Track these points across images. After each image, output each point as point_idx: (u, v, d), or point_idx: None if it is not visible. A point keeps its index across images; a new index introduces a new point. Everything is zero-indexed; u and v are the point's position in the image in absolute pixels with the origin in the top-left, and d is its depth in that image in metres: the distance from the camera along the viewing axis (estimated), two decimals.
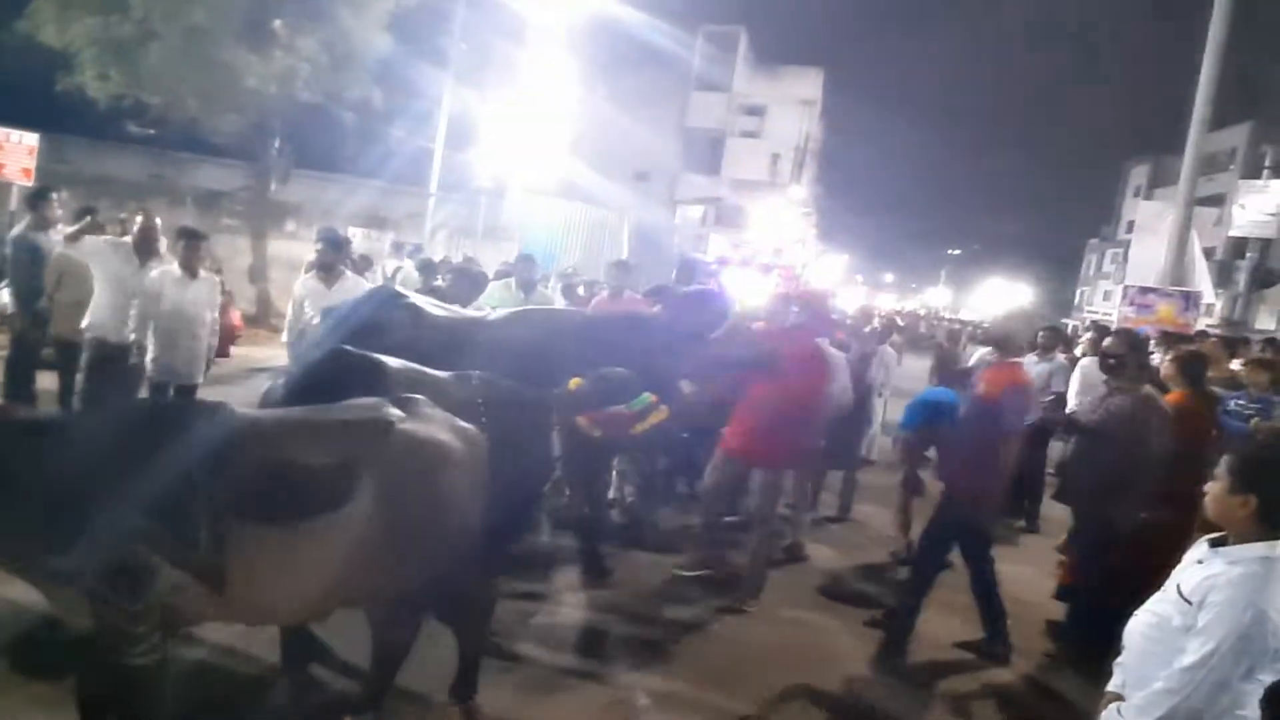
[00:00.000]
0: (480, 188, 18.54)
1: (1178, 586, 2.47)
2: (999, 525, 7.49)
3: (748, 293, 11.48)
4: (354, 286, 6.40)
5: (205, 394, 6.02)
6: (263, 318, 13.72)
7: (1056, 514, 7.98)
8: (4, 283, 8.29)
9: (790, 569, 6.03)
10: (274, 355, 10.10)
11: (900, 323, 12.09)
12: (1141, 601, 2.64)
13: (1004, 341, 4.94)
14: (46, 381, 6.78)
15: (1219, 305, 15.37)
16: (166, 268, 5.88)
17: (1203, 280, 13.80)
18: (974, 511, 4.74)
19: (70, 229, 6.37)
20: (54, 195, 7.30)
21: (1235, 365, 7.70)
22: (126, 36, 12.08)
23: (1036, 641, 5.28)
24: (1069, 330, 15.82)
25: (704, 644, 4.70)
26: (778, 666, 4.51)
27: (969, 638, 5.06)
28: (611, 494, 6.29)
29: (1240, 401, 6.51)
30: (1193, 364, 5.60)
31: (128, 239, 6.23)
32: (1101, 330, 13.16)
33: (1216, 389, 6.30)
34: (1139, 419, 4.83)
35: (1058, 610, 5.60)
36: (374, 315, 4.68)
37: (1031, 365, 8.11)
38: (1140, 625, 2.56)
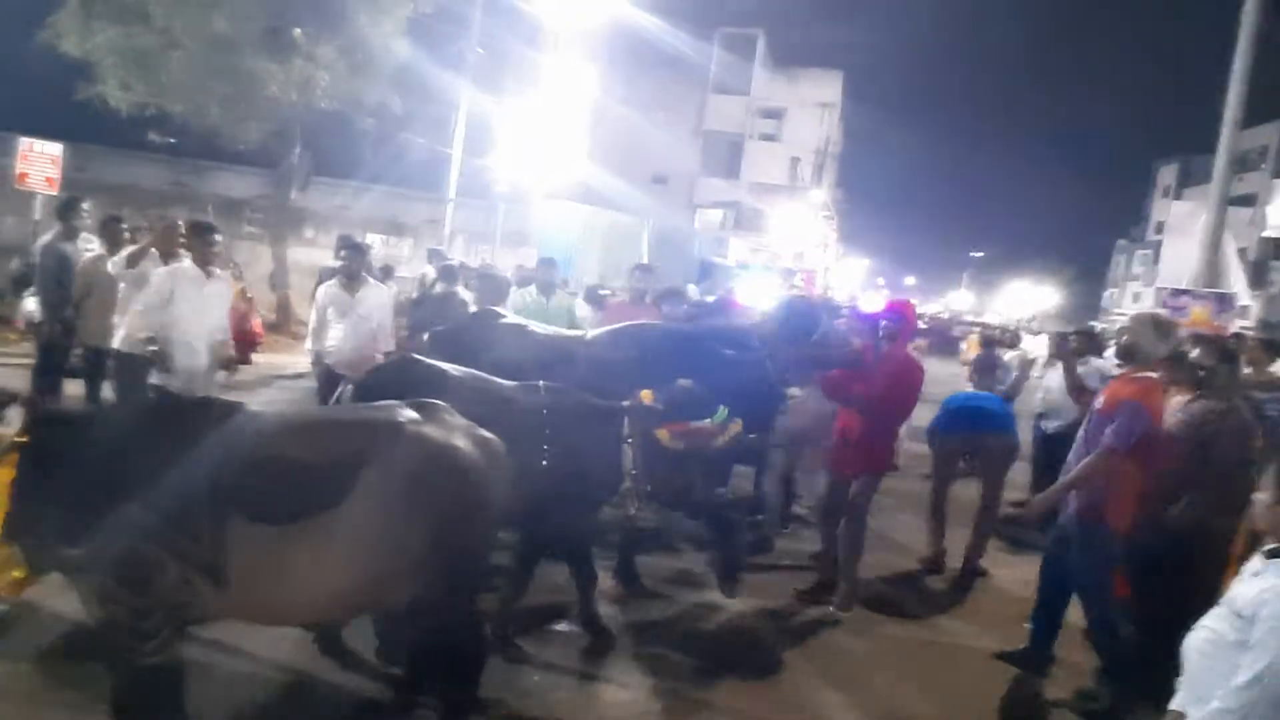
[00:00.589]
0: (498, 193, 18.53)
1: (1233, 601, 2.38)
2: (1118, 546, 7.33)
3: (767, 296, 11.37)
4: (376, 293, 6.38)
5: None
6: (283, 324, 13.76)
7: None
8: (30, 291, 8.35)
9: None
10: (295, 362, 10.09)
11: (923, 326, 11.89)
12: (1192, 614, 2.55)
13: (1130, 351, 4.46)
14: (73, 389, 6.79)
15: (1254, 307, 15.01)
16: (181, 264, 5.54)
17: (1237, 281, 13.51)
18: (1087, 531, 4.31)
19: (128, 251, 6.12)
20: (84, 205, 7.34)
21: (1278, 368, 7.45)
22: (148, 46, 12.18)
23: (1075, 653, 5.08)
24: (1099, 333, 15.54)
25: (726, 650, 4.59)
26: (812, 675, 4.44)
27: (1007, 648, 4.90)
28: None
29: None
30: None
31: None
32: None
33: (1256, 393, 6.10)
34: (1210, 428, 4.63)
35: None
36: (477, 334, 5.01)
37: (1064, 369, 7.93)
38: (1197, 641, 2.47)
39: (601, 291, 9.31)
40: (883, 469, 5.55)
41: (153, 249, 6.01)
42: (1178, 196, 35.88)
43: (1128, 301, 40.16)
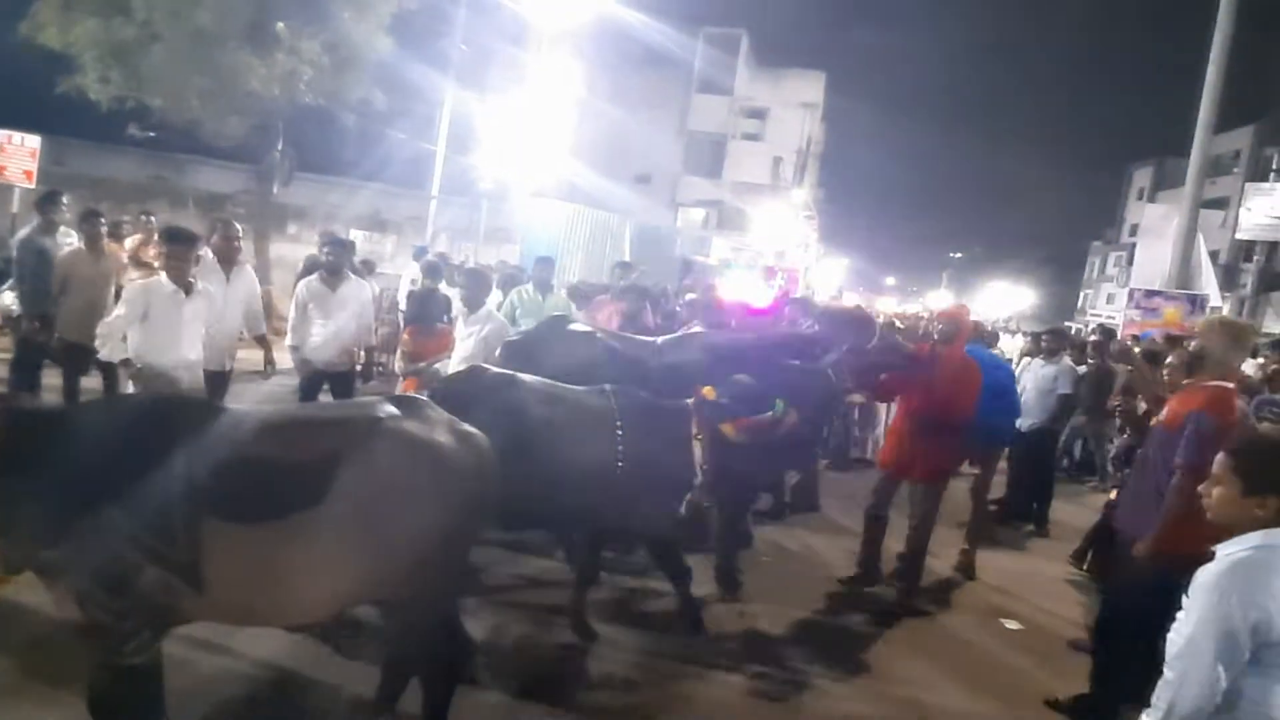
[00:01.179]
0: (482, 190, 18.49)
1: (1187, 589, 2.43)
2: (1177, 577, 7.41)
3: (751, 295, 11.45)
4: (358, 289, 6.39)
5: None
6: (266, 320, 13.65)
7: (1063, 518, 7.98)
8: (7, 285, 8.28)
9: (805, 575, 5.95)
10: (276, 358, 10.00)
11: (900, 325, 12.05)
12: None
13: (1199, 359, 4.12)
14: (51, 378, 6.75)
15: (1226, 308, 15.33)
16: (155, 277, 5.10)
17: (1209, 283, 13.79)
18: (1156, 563, 3.77)
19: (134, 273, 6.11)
20: (63, 199, 7.29)
21: (1248, 368, 7.64)
22: (129, 39, 12.06)
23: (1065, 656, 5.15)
24: (1074, 333, 15.78)
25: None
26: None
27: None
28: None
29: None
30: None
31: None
32: (1107, 333, 13.13)
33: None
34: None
35: (1074, 618, 5.58)
36: (549, 342, 5.16)
37: (1038, 368, 8.09)
38: (1170, 634, 2.50)
39: (584, 287, 9.34)
40: (947, 475, 5.69)
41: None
42: (1152, 199, 36.40)
43: (1102, 303, 40.77)
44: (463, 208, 18.96)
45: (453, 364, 5.95)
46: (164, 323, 4.81)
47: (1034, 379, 8.01)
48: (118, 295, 8.50)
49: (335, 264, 6.18)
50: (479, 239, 18.38)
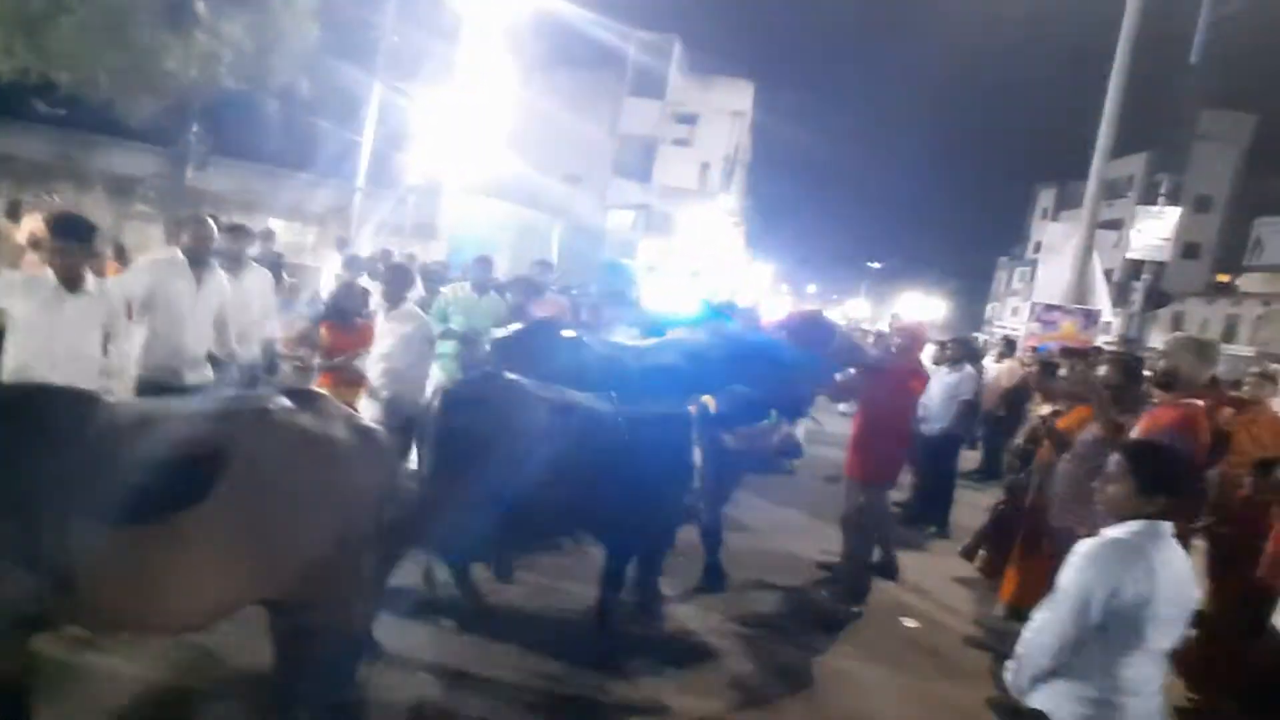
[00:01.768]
0: (410, 184, 18.22)
1: None
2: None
3: (674, 299, 11.63)
4: (259, 278, 6.00)
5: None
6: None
7: (966, 520, 8.38)
8: None
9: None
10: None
11: None
12: None
13: (1169, 377, 4.03)
14: None
15: (1116, 323, 16.35)
16: (38, 275, 4.29)
17: (1102, 299, 14.66)
18: None
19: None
20: None
21: None
22: (34, 10, 11.45)
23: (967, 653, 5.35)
24: (980, 343, 16.57)
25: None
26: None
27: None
28: None
29: None
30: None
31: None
32: (1009, 343, 13.85)
33: None
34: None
35: (969, 614, 5.93)
36: (537, 345, 5.23)
37: (943, 375, 8.51)
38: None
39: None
40: (889, 479, 6.08)
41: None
42: (1055, 218, 38.45)
43: (1008, 315, 42.75)
44: (386, 200, 18.62)
45: (372, 359, 5.86)
46: (36, 325, 3.94)
47: (939, 385, 8.39)
48: None
49: (232, 251, 5.75)
50: (404, 233, 18.10)
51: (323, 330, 6.28)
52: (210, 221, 5.15)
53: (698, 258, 27.04)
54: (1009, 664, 2.78)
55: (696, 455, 4.33)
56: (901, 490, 7.99)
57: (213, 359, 5.08)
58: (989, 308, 51.45)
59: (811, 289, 67.90)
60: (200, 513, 2.43)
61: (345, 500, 2.72)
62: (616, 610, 4.58)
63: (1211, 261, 40.82)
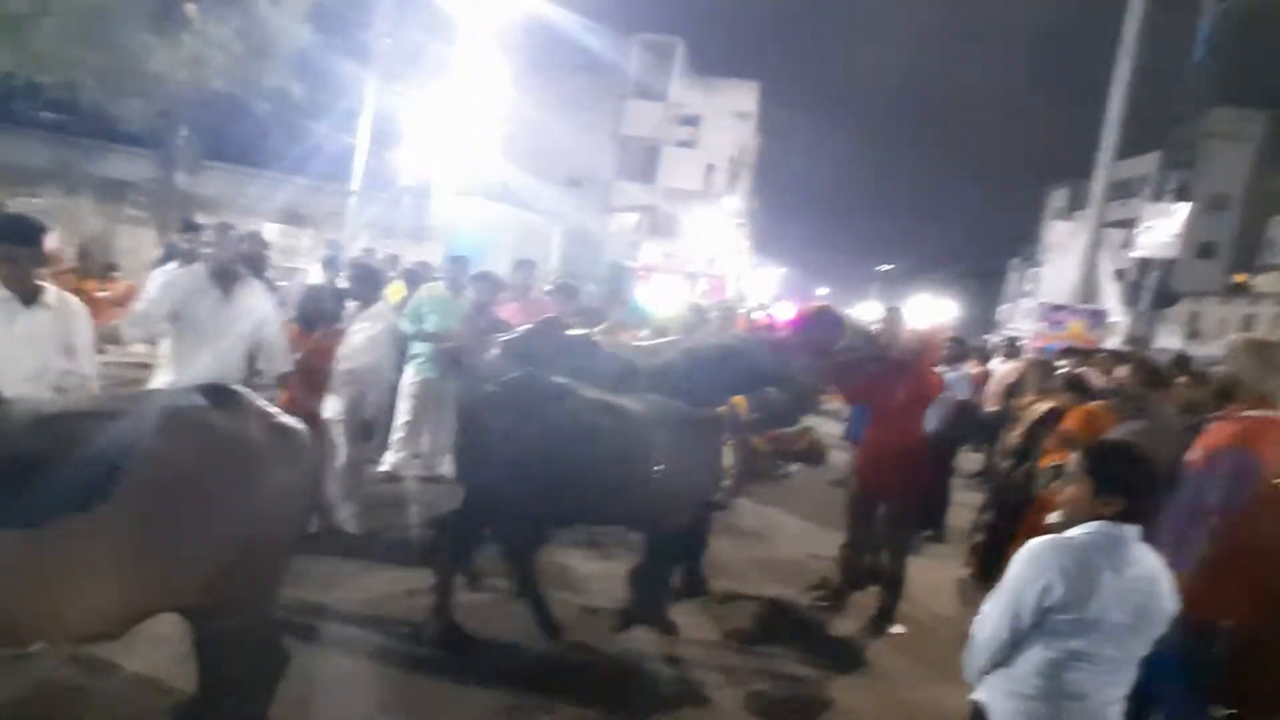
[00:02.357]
0: (405, 187, 18.10)
1: None
2: None
3: (671, 300, 11.46)
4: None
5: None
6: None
7: (960, 524, 8.12)
8: None
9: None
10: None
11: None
12: None
13: (1229, 387, 3.60)
14: None
15: (1125, 323, 16.00)
16: None
17: (1110, 298, 14.37)
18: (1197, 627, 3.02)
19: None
20: None
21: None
22: (17, 11, 11.38)
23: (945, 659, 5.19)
24: (988, 345, 16.27)
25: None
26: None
27: None
28: None
29: None
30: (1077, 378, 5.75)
31: None
32: (1012, 344, 13.53)
33: None
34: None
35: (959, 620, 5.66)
36: (544, 344, 5.16)
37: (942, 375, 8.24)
38: None
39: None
40: (920, 489, 5.65)
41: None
42: (1067, 219, 37.93)
43: (1019, 317, 42.20)
44: (384, 204, 18.51)
45: (339, 357, 5.71)
46: None
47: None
48: None
49: (194, 253, 5.86)
50: (400, 236, 17.97)
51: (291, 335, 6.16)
52: (36, 227, 4.37)
53: (699, 260, 26.86)
54: (965, 655, 2.69)
55: (726, 456, 4.49)
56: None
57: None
58: (1000, 309, 50.92)
59: (822, 291, 67.47)
60: (99, 515, 2.32)
61: (258, 501, 2.61)
62: (644, 607, 4.71)
63: (1228, 261, 40.18)
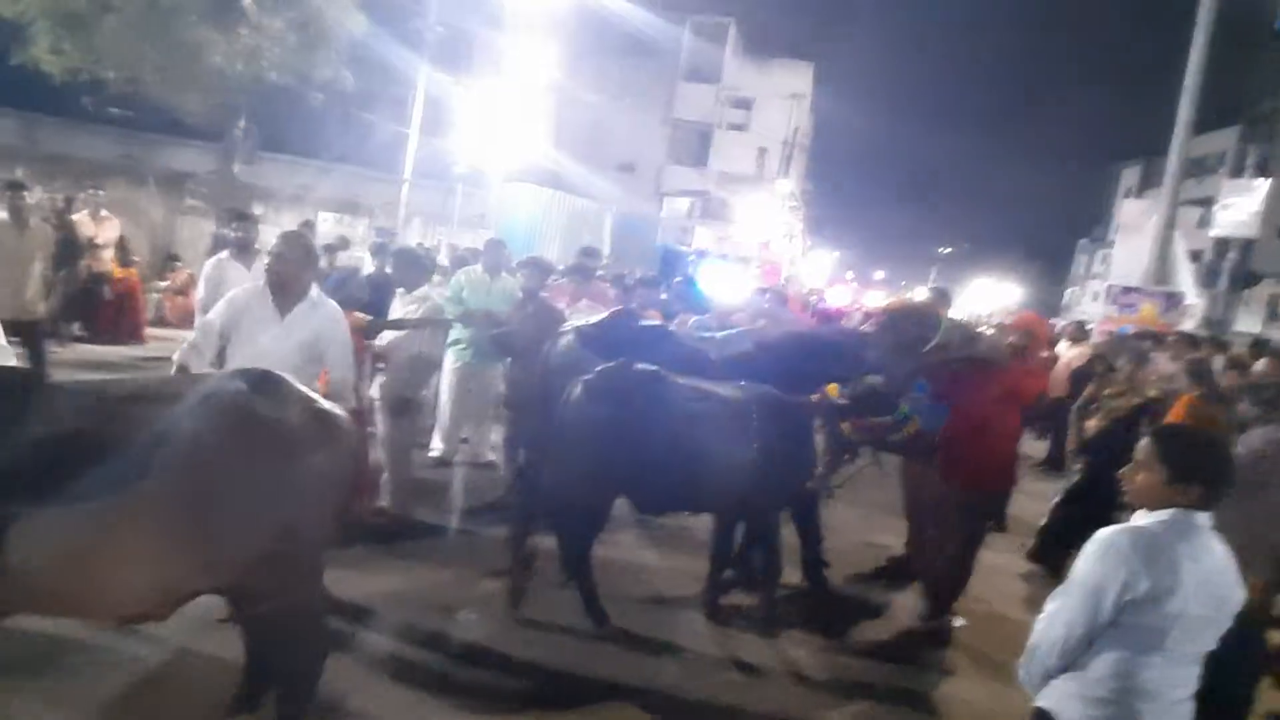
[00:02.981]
0: (457, 174, 18.20)
1: None
2: None
3: (726, 285, 11.30)
4: None
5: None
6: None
7: (1026, 514, 7.84)
8: None
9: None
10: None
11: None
12: None
13: None
14: None
15: (1201, 305, 15.22)
16: None
17: (1185, 280, 13.67)
18: None
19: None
20: None
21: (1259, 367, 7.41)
22: (81, 8, 11.72)
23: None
24: (1055, 329, 15.66)
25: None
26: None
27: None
28: None
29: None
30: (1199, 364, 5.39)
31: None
32: (1080, 327, 12.98)
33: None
34: (1267, 463, 3.85)
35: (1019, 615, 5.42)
36: (619, 334, 5.26)
37: None
38: None
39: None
40: (998, 487, 5.42)
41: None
42: (1139, 197, 36.32)
43: (1087, 300, 40.72)
44: (437, 192, 18.65)
45: (382, 341, 5.74)
46: None
47: None
48: (65, 266, 8.42)
49: (245, 240, 5.92)
50: (453, 224, 18.10)
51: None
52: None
53: (752, 244, 26.49)
54: (1021, 659, 2.53)
55: (819, 443, 4.57)
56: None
57: None
58: (1067, 293, 49.19)
59: (879, 275, 66.28)
60: (137, 494, 2.38)
61: (298, 486, 2.65)
62: (721, 588, 4.83)
63: None
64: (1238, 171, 15.26)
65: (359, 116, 16.57)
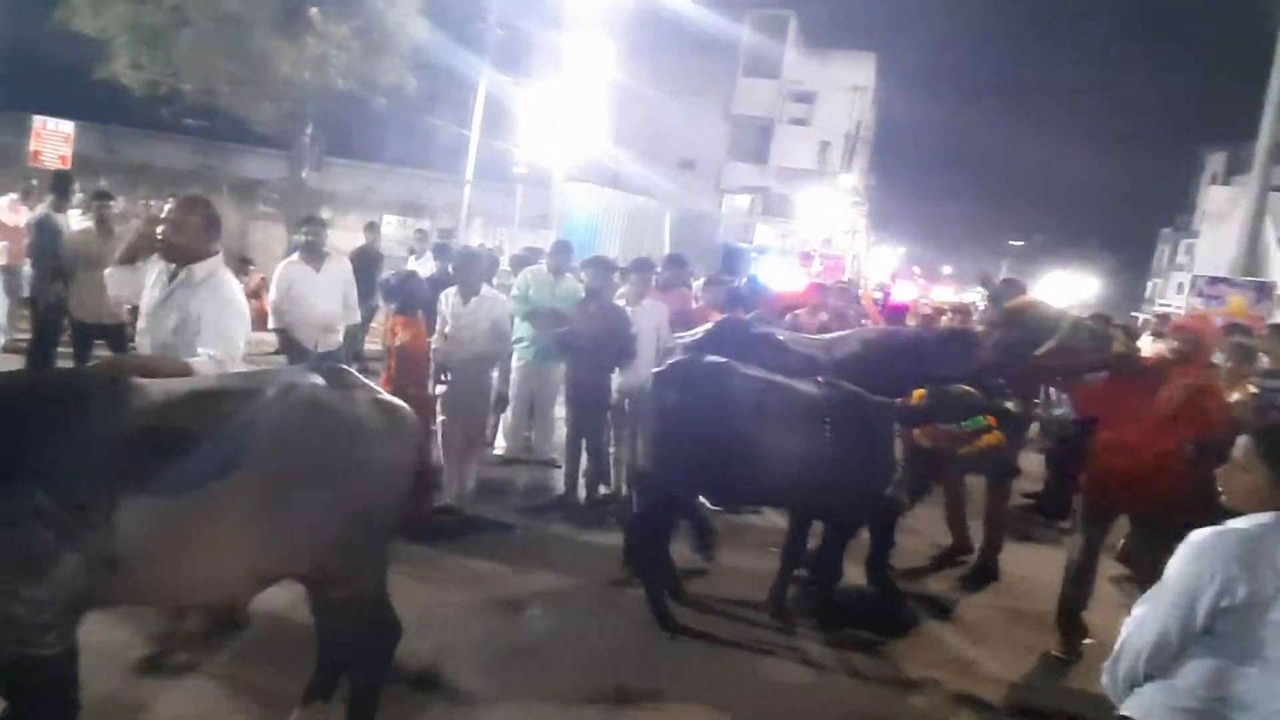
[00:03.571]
0: (518, 175, 18.37)
1: None
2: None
3: (787, 280, 11.11)
4: (339, 266, 6.31)
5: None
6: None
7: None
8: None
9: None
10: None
11: (950, 316, 11.35)
12: None
13: None
14: None
15: None
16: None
17: (1276, 270, 12.92)
18: None
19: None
20: (75, 182, 7.35)
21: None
22: (159, 23, 12.18)
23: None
24: (1138, 323, 14.98)
25: None
26: None
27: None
28: None
29: None
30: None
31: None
32: (1164, 321, 12.36)
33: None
34: None
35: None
36: (731, 341, 5.23)
37: None
38: None
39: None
40: (1183, 502, 4.75)
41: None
42: (1226, 184, 34.53)
43: (1171, 292, 38.93)
44: (498, 193, 18.86)
45: (454, 344, 5.81)
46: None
47: None
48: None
49: (314, 243, 6.05)
50: (514, 224, 18.27)
51: (389, 318, 6.32)
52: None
53: (815, 240, 26.08)
54: (1105, 664, 2.40)
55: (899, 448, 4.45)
56: (1033, 480, 7.14)
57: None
58: (1150, 285, 47.16)
59: (947, 270, 64.61)
60: (231, 486, 2.50)
61: (370, 474, 2.77)
62: (789, 585, 4.73)
63: None
64: None
65: (421, 120, 16.86)
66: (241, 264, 13.56)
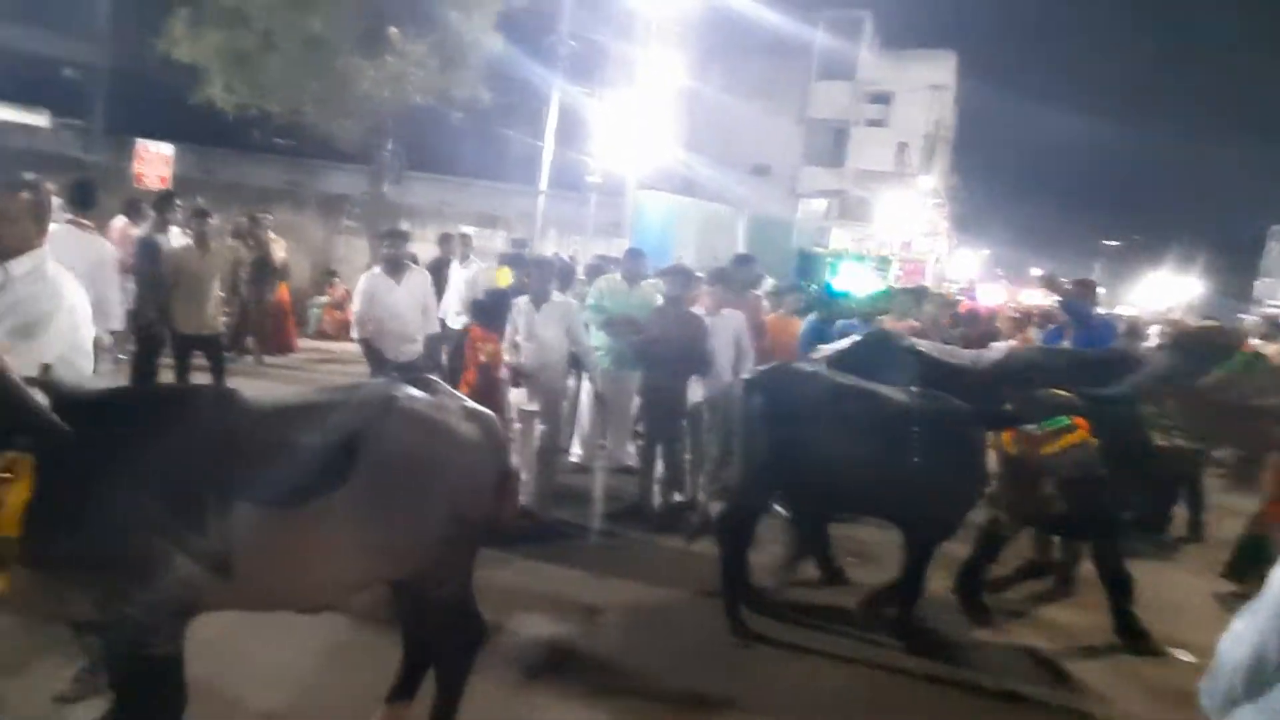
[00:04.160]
0: (592, 184, 18.50)
1: None
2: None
3: (865, 285, 10.86)
4: (419, 277, 6.45)
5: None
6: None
7: (1218, 529, 7.04)
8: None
9: None
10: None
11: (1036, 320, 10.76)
12: None
13: None
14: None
15: None
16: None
17: None
18: None
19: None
20: (177, 200, 7.71)
21: None
22: (249, 48, 12.73)
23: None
24: (1244, 325, 14.07)
25: None
26: None
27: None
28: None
29: None
30: None
31: None
32: (1274, 325, 11.55)
33: None
34: None
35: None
36: (871, 356, 5.23)
37: None
38: None
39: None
40: None
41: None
42: None
43: None
44: (571, 202, 19.02)
45: (526, 353, 5.84)
46: None
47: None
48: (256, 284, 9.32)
49: (394, 255, 6.18)
50: (588, 233, 18.38)
51: (471, 330, 6.40)
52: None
53: (894, 244, 25.45)
54: (1202, 680, 2.14)
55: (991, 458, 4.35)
56: None
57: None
58: (1258, 284, 44.42)
59: (1035, 272, 62.12)
60: (339, 495, 2.60)
61: (461, 483, 2.86)
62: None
63: None
64: None
65: (496, 132, 17.14)
66: (326, 276, 14.03)
